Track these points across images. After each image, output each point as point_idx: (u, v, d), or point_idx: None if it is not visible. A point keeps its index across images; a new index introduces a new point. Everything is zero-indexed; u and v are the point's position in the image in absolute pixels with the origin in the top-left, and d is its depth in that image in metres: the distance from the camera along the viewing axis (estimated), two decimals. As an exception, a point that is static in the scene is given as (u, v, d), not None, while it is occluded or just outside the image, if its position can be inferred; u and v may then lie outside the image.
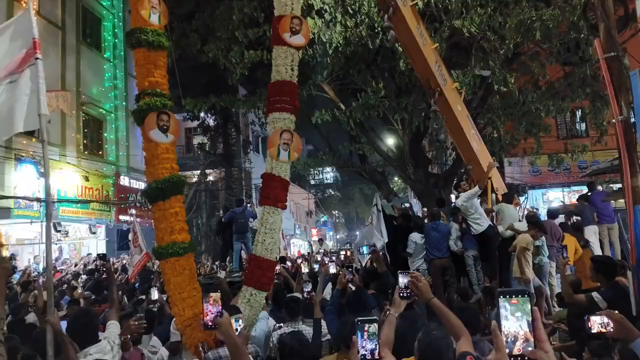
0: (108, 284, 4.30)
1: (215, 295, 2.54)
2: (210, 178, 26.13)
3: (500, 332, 1.28)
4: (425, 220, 9.12)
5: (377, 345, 1.87)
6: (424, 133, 15.40)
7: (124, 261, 15.82)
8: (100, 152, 16.50)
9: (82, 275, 13.08)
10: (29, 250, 15.45)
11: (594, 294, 4.48)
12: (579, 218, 10.46)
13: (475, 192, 8.37)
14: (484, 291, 6.84)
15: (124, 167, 17.51)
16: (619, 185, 11.48)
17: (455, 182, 8.90)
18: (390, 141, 19.59)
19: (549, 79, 11.83)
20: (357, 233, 54.02)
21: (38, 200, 12.57)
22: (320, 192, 54.65)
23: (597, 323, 2.52)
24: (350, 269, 5.46)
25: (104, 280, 11.28)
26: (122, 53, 17.83)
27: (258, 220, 5.07)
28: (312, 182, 53.45)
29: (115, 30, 17.56)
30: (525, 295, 1.31)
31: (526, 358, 1.27)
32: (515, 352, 1.27)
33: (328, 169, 51.04)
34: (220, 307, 2.52)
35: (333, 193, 57.14)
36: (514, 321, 1.30)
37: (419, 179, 15.00)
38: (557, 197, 20.48)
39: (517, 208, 10.28)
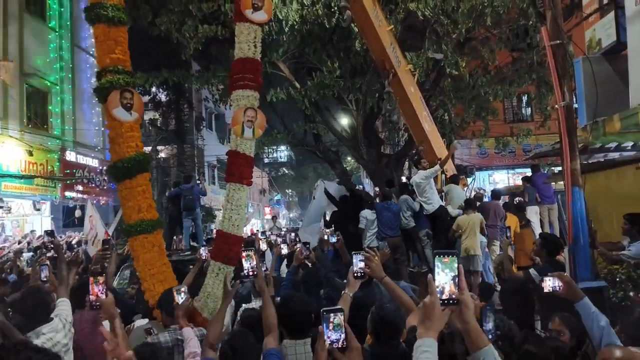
0: (57, 260, 4.22)
1: (101, 277, 2.65)
2: (162, 155, 25.61)
3: (434, 282, 1.70)
4: (377, 200, 9.46)
5: (343, 335, 1.85)
6: (377, 114, 15.70)
7: (70, 239, 15.45)
8: (45, 126, 15.82)
9: (25, 253, 12.72)
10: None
11: (531, 270, 4.88)
12: (521, 199, 11.12)
13: (435, 171, 8.73)
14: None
15: (70, 142, 16.88)
16: (559, 168, 12.28)
17: (415, 159, 9.19)
18: (344, 121, 19.79)
19: (497, 64, 12.34)
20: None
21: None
22: (274, 171, 54.54)
23: (549, 285, 2.89)
24: (307, 246, 5.68)
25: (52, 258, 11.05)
26: (68, 23, 17.03)
27: (219, 197, 5.15)
28: (266, 160, 53.19)
29: (61, -2, 16.76)
30: (454, 256, 1.72)
31: (451, 300, 1.69)
32: (444, 297, 1.70)
33: (282, 147, 50.91)
34: (105, 287, 2.62)
35: (287, 172, 57.16)
36: (444, 275, 1.71)
37: (371, 159, 15.30)
38: (503, 179, 21.49)
39: (465, 189, 10.82)
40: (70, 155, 16.54)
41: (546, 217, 11.11)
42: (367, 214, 8.73)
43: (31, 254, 12.56)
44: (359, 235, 8.76)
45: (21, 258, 11.79)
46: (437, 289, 1.69)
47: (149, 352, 2.89)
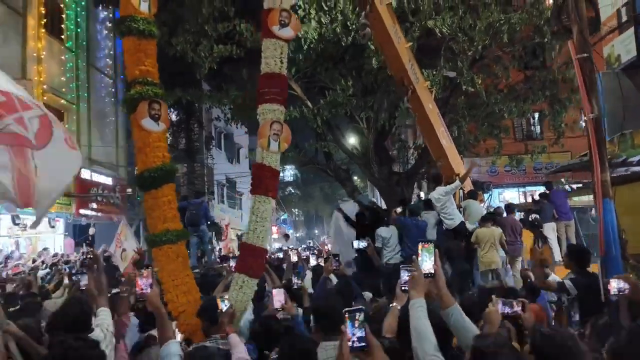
0: (96, 270, 4.22)
1: (146, 271, 2.76)
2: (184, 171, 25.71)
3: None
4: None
5: (366, 333, 1.95)
6: (388, 132, 15.77)
7: (86, 255, 15.44)
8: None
9: (40, 270, 12.71)
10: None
11: (566, 281, 4.81)
12: (536, 216, 11.03)
13: (456, 187, 8.70)
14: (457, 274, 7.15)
15: (85, 160, 17.02)
16: (577, 185, 12.27)
17: (433, 176, 9.18)
18: (353, 140, 19.86)
19: (510, 82, 12.38)
20: (316, 230, 54.14)
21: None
22: (281, 190, 54.53)
23: (615, 287, 3.01)
24: (337, 258, 5.65)
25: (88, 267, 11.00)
26: (84, 43, 17.35)
27: (250, 211, 5.11)
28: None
29: (78, 19, 17.04)
30: (431, 242, 2.60)
31: (429, 274, 2.48)
32: (425, 272, 2.50)
33: (288, 167, 51.08)
34: (151, 281, 2.75)
35: (293, 191, 57.15)
36: (426, 257, 2.54)
37: (382, 177, 15.30)
38: (513, 196, 21.37)
39: (482, 204, 10.76)
40: (85, 174, 16.65)
41: (563, 234, 11.01)
42: (382, 231, 8.61)
43: (47, 270, 12.57)
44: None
45: (37, 275, 11.78)
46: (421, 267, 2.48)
47: (206, 355, 2.86)
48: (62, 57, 16.21)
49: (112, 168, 19.24)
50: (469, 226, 8.91)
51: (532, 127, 21.11)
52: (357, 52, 12.04)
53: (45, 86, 14.97)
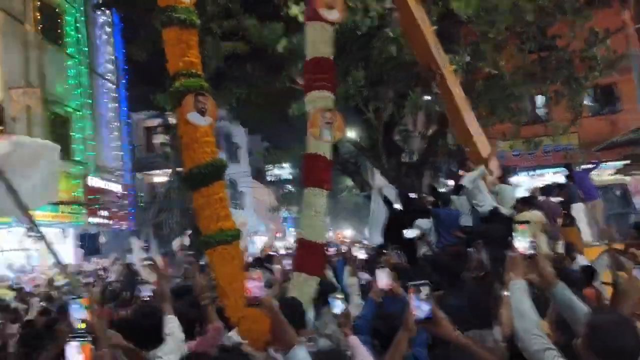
0: (158, 277, 4.00)
1: (257, 273, 2.45)
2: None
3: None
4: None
5: (431, 305, 2.02)
6: (396, 123, 15.59)
7: (99, 266, 15.15)
8: (67, 153, 15.66)
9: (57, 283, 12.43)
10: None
11: None
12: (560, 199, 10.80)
13: (479, 173, 8.44)
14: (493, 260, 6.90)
15: (91, 168, 16.73)
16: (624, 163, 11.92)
17: (459, 160, 8.95)
18: (360, 132, 19.62)
19: (525, 63, 12.13)
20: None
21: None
22: (280, 189, 54.09)
23: None
24: (398, 252, 5.29)
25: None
26: (85, 49, 17.01)
27: (305, 205, 4.84)
28: (269, 178, 52.84)
29: (77, 25, 16.70)
30: (528, 224, 2.47)
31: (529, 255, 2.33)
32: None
33: (285, 165, 50.69)
34: (263, 284, 2.45)
35: (292, 189, 56.76)
36: (522, 239, 2.35)
37: (392, 167, 15.08)
38: (523, 180, 21.13)
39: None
40: (93, 181, 16.36)
41: (591, 214, 10.80)
42: (422, 223, 8.31)
43: (65, 281, 12.26)
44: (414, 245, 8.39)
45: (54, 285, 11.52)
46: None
47: (335, 354, 2.71)
48: (64, 64, 15.89)
49: (118, 174, 18.95)
50: (504, 211, 8.67)
51: (537, 110, 20.90)
52: (364, 42, 11.78)
53: (48, 93, 14.65)
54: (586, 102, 12.92)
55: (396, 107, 14.11)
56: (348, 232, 38.20)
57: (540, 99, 20.98)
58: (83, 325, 2.44)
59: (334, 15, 4.94)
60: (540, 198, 9.22)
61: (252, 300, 2.34)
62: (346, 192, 48.25)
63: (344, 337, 3.04)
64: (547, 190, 9.41)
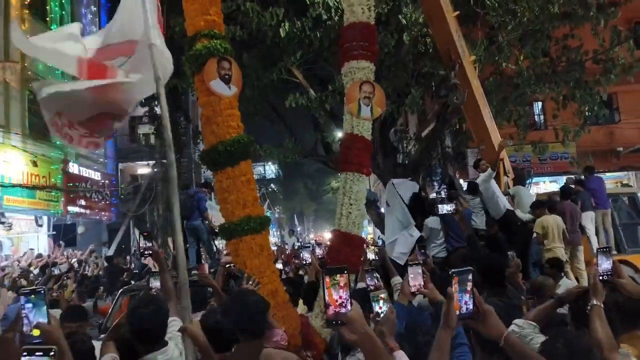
0: (160, 272, 3.37)
1: (344, 276, 1.62)
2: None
3: None
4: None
5: (474, 297, 1.73)
6: (392, 123, 15.14)
7: (73, 259, 14.28)
8: (47, 136, 14.68)
9: (33, 272, 11.62)
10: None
11: None
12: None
13: (490, 175, 7.99)
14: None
15: (72, 154, 15.73)
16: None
17: (475, 160, 8.47)
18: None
19: (537, 63, 11.73)
20: (299, 228, 53.16)
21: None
22: (264, 187, 53.19)
23: None
24: (423, 251, 4.69)
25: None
26: (67, 23, 16.02)
27: (341, 192, 4.22)
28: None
29: (62, 1, 15.74)
30: None
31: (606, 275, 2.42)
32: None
33: (270, 163, 49.91)
34: (349, 294, 1.63)
35: (276, 189, 55.97)
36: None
37: (387, 169, 14.61)
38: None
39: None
40: (73, 168, 15.40)
41: (601, 223, 10.40)
42: (431, 221, 7.75)
43: (37, 271, 11.42)
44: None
45: (30, 277, 10.66)
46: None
47: None
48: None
49: (100, 162, 17.98)
50: (521, 215, 8.21)
51: (536, 116, 20.67)
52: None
53: (29, 72, 13.68)
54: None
55: (395, 105, 13.63)
56: (329, 235, 37.78)
57: (536, 105, 20.86)
58: (36, 332, 1.75)
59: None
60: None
61: (333, 317, 1.62)
62: (331, 193, 48.00)
63: (389, 353, 2.37)
64: (567, 193, 8.95)
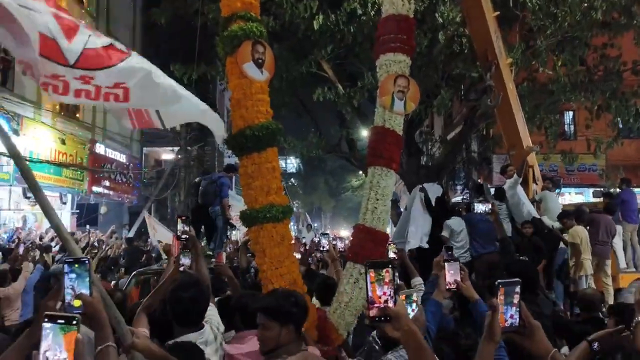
0: (195, 257, 3.34)
1: (389, 271, 1.58)
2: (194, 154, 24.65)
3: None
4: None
5: (521, 310, 1.66)
6: (419, 123, 14.96)
7: (93, 237, 14.46)
8: (77, 115, 14.89)
9: (54, 248, 11.79)
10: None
11: None
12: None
13: (516, 181, 7.82)
14: None
15: (99, 135, 15.96)
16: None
17: (502, 165, 8.29)
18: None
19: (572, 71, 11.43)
20: (316, 224, 53.20)
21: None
22: (284, 181, 53.26)
23: None
24: (450, 253, 4.55)
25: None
26: (105, 9, 16.22)
27: (367, 186, 4.11)
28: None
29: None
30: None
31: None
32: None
33: (291, 157, 50.04)
34: (393, 290, 1.59)
35: (296, 183, 56.15)
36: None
37: (411, 170, 14.46)
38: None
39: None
40: (100, 149, 15.61)
41: (628, 238, 10.10)
42: (453, 223, 7.63)
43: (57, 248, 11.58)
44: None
45: (49, 254, 10.82)
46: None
47: None
48: (82, 21, 15.08)
49: (126, 144, 18.17)
50: (548, 222, 8.00)
51: (566, 125, 20.18)
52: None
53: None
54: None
55: (423, 106, 13.46)
56: (346, 233, 37.63)
57: (567, 115, 20.38)
58: (77, 303, 1.70)
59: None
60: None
61: (377, 317, 1.55)
62: (350, 191, 47.88)
63: None
64: (612, 210, 8.63)
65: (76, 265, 1.72)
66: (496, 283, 1.66)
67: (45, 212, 2.25)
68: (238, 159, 3.87)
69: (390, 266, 1.55)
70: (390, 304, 1.54)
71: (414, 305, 2.55)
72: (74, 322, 1.39)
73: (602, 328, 3.31)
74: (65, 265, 1.73)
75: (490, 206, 6.33)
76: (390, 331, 1.54)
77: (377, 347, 2.93)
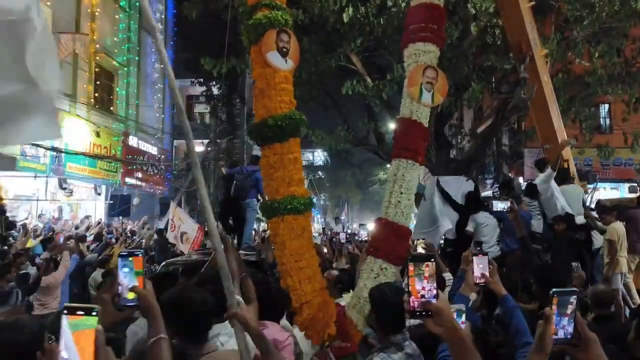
0: (225, 252, 3.29)
1: (429, 266, 1.54)
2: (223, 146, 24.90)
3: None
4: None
5: (576, 323, 1.55)
6: (448, 116, 14.70)
7: (127, 227, 14.76)
8: (111, 108, 15.21)
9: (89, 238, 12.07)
10: (25, 207, 14.22)
11: None
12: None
13: (550, 175, 7.54)
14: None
15: (132, 127, 16.26)
16: None
17: (536, 159, 8.03)
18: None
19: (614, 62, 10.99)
20: (343, 216, 53.10)
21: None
22: (311, 174, 53.34)
23: None
24: (479, 248, 4.44)
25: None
26: (137, 4, 16.46)
27: (391, 179, 4.03)
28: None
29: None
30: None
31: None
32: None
33: (319, 150, 49.99)
34: (435, 285, 1.56)
35: (323, 176, 56.14)
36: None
37: (440, 163, 14.22)
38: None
39: (585, 196, 9.45)
40: (133, 141, 15.91)
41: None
42: (479, 217, 7.41)
43: (91, 238, 11.88)
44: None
45: (85, 244, 11.09)
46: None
47: None
48: (116, 17, 15.37)
49: (158, 137, 18.48)
50: (580, 220, 7.69)
51: (601, 119, 19.53)
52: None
53: (97, 45, 14.15)
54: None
55: (453, 99, 13.22)
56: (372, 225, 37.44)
57: (603, 108, 19.71)
58: (131, 296, 1.74)
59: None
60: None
61: (419, 308, 1.53)
62: (378, 184, 47.59)
63: None
64: None
65: (130, 259, 1.75)
66: (550, 292, 1.59)
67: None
68: (260, 149, 3.84)
69: (432, 260, 1.53)
70: (433, 299, 1.51)
71: (463, 317, 2.42)
72: (94, 314, 1.40)
73: (611, 326, 3.20)
74: (120, 259, 1.76)
75: (508, 203, 6.14)
76: (432, 327, 1.51)
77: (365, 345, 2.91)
